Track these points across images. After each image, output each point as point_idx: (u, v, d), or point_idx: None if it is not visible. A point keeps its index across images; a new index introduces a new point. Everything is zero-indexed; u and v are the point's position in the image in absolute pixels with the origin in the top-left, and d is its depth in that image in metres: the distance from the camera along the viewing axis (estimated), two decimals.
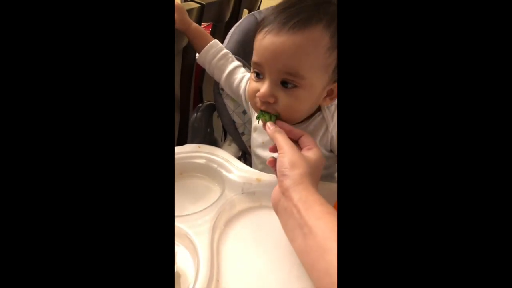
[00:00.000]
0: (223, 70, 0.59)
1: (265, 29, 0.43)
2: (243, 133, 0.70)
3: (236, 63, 0.60)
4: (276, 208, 0.37)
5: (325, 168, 0.56)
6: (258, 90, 0.44)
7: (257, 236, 0.44)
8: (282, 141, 0.40)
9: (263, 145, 0.57)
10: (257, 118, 0.45)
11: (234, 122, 0.68)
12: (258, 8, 1.80)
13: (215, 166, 0.52)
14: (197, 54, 0.63)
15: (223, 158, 0.53)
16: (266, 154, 0.55)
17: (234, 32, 0.66)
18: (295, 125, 0.51)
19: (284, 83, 0.43)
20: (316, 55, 0.42)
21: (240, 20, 0.68)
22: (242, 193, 0.48)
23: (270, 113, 0.44)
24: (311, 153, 0.40)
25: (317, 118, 0.52)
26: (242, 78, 0.59)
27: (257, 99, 0.46)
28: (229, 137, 0.72)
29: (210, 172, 0.53)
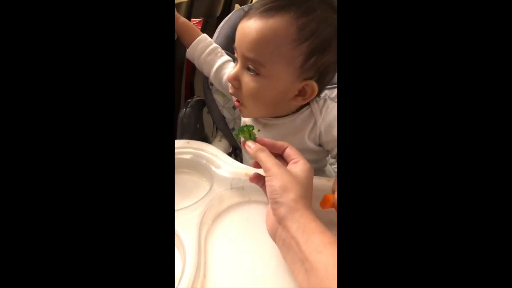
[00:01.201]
0: (212, 65, 0.59)
1: (245, 14, 0.45)
2: (233, 129, 0.69)
3: (225, 57, 0.60)
4: (274, 238, 0.36)
5: (315, 162, 0.56)
6: None
7: (245, 231, 0.44)
8: (268, 161, 0.37)
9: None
10: (236, 135, 0.42)
11: (224, 117, 0.68)
12: (251, 2, 1.79)
13: (204, 161, 0.52)
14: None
15: (212, 153, 0.53)
16: None
17: (223, 26, 0.65)
18: (281, 118, 0.51)
19: (248, 69, 0.44)
20: (277, 44, 0.41)
21: (229, 15, 0.67)
22: (231, 188, 0.48)
23: (249, 130, 0.41)
24: (299, 168, 0.37)
25: (305, 112, 0.51)
26: None
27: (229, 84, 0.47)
28: (219, 133, 0.72)
29: (199, 168, 0.53)
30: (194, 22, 1.53)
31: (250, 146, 0.40)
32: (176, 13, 0.59)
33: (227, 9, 1.28)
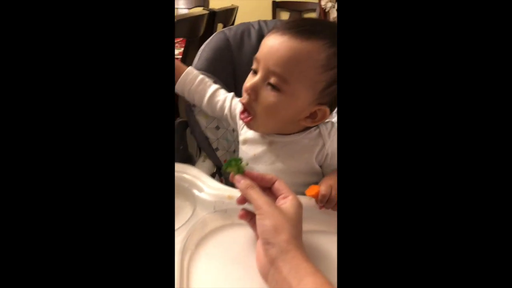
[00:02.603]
0: (203, 95, 0.60)
1: (274, 30, 0.46)
2: (217, 149, 0.70)
3: (215, 86, 0.61)
4: (266, 279, 0.35)
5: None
6: None
7: (229, 254, 0.44)
8: (258, 199, 0.37)
9: (254, 158, 0.56)
10: (223, 170, 0.42)
11: (207, 138, 0.68)
12: (233, 22, 1.82)
13: (186, 185, 0.52)
14: None
15: (195, 176, 0.53)
16: (259, 167, 0.55)
17: (204, 49, 0.67)
18: (288, 135, 0.52)
19: (270, 84, 0.45)
20: (307, 67, 0.43)
21: (210, 38, 0.69)
22: (214, 212, 0.48)
23: (237, 164, 0.41)
24: (289, 205, 0.37)
25: (313, 133, 0.52)
26: (225, 99, 0.61)
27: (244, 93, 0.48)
28: (203, 153, 0.72)
29: (182, 191, 0.53)
30: (177, 41, 1.54)
31: (239, 181, 0.40)
32: None
33: (210, 29, 1.30)
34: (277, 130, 0.52)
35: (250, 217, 0.41)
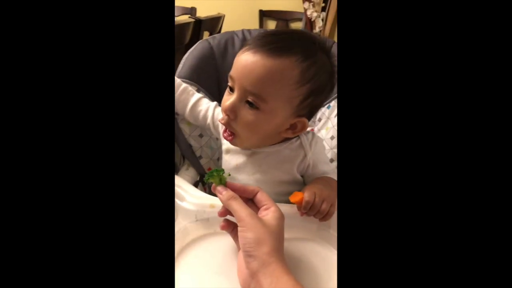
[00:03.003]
0: (186, 104, 0.61)
1: (246, 47, 0.45)
2: (200, 157, 0.69)
3: (198, 95, 0.62)
4: None
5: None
6: None
7: (211, 265, 0.43)
8: (240, 210, 0.36)
9: (237, 168, 0.56)
10: (205, 180, 0.42)
11: (191, 146, 0.68)
12: (220, 30, 1.83)
13: None
14: None
15: (176, 185, 0.52)
16: (241, 177, 0.55)
17: (187, 58, 0.67)
18: (269, 146, 0.52)
19: (248, 102, 0.45)
20: (282, 84, 0.43)
21: (194, 46, 0.69)
22: (196, 221, 0.48)
23: (219, 175, 0.40)
24: (271, 216, 0.37)
25: (295, 144, 0.53)
26: (207, 108, 0.61)
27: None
28: (186, 161, 0.72)
29: None
30: None
31: (221, 192, 0.39)
32: None
33: (196, 37, 1.31)
34: (261, 143, 0.53)
35: (232, 227, 0.41)
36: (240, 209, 0.37)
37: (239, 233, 0.36)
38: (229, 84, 0.48)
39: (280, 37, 0.46)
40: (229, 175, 0.42)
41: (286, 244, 0.38)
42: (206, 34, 1.52)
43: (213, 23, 1.61)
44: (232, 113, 0.46)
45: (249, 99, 0.45)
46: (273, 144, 0.53)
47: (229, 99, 0.47)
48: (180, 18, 2.20)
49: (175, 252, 0.44)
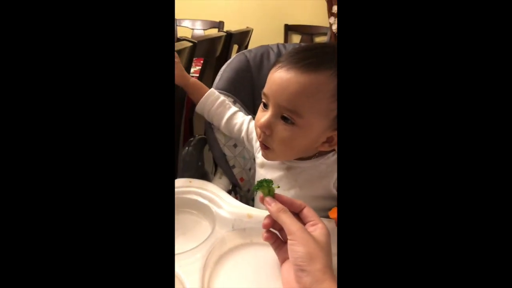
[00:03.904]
0: (222, 117, 0.63)
1: (279, 64, 0.46)
2: (233, 166, 0.70)
3: (234, 109, 0.64)
4: None
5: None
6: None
7: (248, 274, 0.43)
8: (291, 224, 0.36)
9: None
10: (253, 189, 0.42)
11: (225, 155, 0.69)
12: (248, 43, 1.88)
13: (206, 201, 0.52)
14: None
15: (214, 193, 0.53)
16: (276, 192, 0.55)
17: (225, 70, 0.69)
18: (305, 160, 0.53)
19: (284, 118, 0.46)
20: (318, 99, 0.44)
21: (231, 59, 0.71)
22: (233, 230, 0.48)
23: (268, 186, 0.40)
24: (319, 233, 0.37)
25: (331, 158, 0.52)
26: (242, 122, 0.63)
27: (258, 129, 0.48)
28: (219, 170, 0.73)
29: (201, 208, 0.53)
30: (195, 60, 1.59)
31: (270, 204, 0.39)
32: (186, 74, 0.64)
33: (226, 50, 1.35)
34: (296, 157, 0.53)
35: (274, 239, 0.41)
36: (291, 222, 0.36)
37: (289, 246, 0.35)
38: (263, 100, 0.48)
39: (312, 52, 0.47)
40: (278, 187, 0.42)
41: None
42: (235, 48, 1.56)
43: (242, 36, 1.65)
44: (268, 129, 0.47)
45: (284, 115, 0.45)
46: (309, 159, 0.53)
47: (263, 115, 0.47)
48: (210, 32, 2.28)
49: (214, 259, 0.45)
